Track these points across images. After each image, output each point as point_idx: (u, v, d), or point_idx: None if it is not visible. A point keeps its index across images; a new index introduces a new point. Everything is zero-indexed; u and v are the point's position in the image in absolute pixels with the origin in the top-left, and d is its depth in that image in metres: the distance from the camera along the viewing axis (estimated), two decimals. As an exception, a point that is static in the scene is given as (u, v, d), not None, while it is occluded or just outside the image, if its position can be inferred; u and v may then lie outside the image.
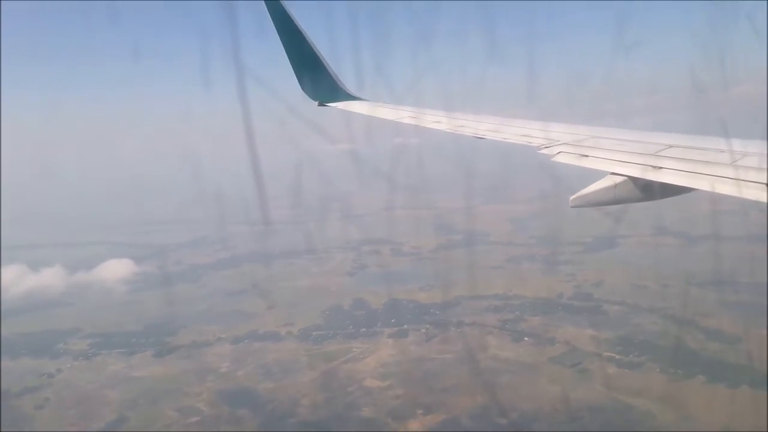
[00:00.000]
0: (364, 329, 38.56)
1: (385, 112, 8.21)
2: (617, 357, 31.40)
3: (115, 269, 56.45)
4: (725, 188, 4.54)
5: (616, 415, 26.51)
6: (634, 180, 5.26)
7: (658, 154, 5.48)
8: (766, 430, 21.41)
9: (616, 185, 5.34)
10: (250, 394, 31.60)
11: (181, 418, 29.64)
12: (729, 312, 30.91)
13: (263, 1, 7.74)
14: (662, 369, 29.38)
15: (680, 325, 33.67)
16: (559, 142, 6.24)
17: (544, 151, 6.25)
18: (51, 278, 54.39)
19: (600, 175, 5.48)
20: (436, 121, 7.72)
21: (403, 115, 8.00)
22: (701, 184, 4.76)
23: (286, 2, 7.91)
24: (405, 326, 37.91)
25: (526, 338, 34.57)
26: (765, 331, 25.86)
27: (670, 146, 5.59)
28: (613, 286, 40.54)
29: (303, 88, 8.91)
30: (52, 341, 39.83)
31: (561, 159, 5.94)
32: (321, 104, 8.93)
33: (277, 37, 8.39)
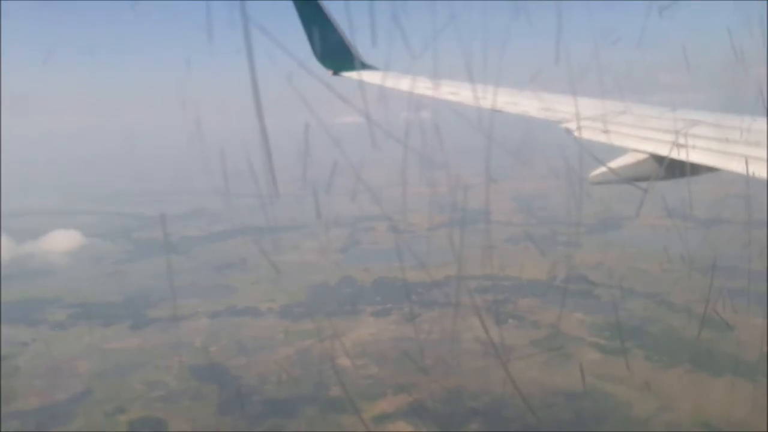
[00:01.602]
0: (346, 307, 37.54)
1: (401, 82, 7.72)
2: (602, 342, 30.05)
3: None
4: (750, 169, 4.43)
5: (591, 403, 25.23)
6: (656, 157, 5.19)
7: (683, 131, 5.30)
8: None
9: (637, 162, 5.35)
10: (219, 370, 30.71)
11: (146, 392, 28.89)
12: (725, 300, 29.32)
13: None
14: (648, 356, 28.05)
15: (673, 311, 32.27)
16: (580, 117, 6.03)
17: (563, 126, 6.05)
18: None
19: (621, 152, 5.48)
20: (453, 92, 7.48)
21: (419, 86, 7.63)
22: (725, 164, 4.68)
23: None
24: (389, 305, 36.83)
25: (510, 320, 33.23)
26: (760, 321, 24.38)
27: (697, 124, 5.40)
28: (610, 270, 38.92)
29: (317, 57, 8.79)
30: (32, 310, 39.45)
31: (581, 134, 5.74)
32: (335, 73, 8.68)
33: (292, 4, 8.36)
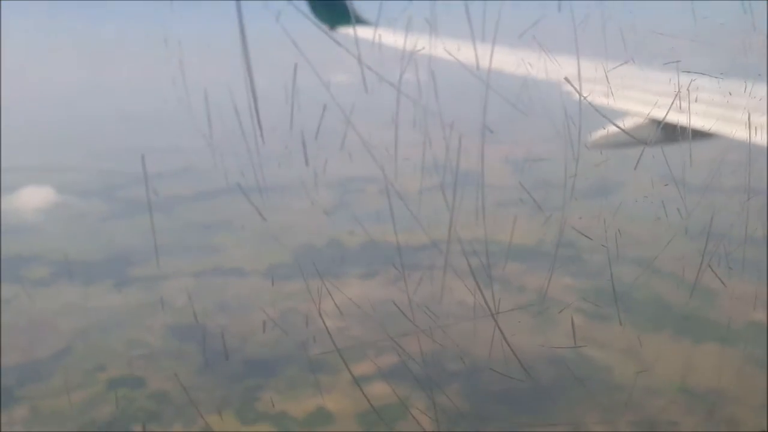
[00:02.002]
0: (332, 269, 37.15)
1: (397, 39, 7.00)
2: (587, 307, 29.64)
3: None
4: (751, 135, 4.62)
5: (572, 368, 24.94)
6: (656, 121, 5.21)
7: (685, 95, 5.42)
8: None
9: (637, 126, 5.37)
10: (201, 330, 30.56)
11: (126, 351, 28.81)
12: (714, 266, 28.86)
13: None
14: (632, 322, 27.67)
15: (661, 277, 31.73)
16: (580, 78, 6.05)
17: (563, 88, 5.95)
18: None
19: (622, 114, 5.56)
20: (452, 51, 7.07)
21: (417, 44, 6.76)
22: (726, 129, 4.85)
23: None
24: (374, 268, 36.43)
25: (496, 284, 32.66)
26: (746, 287, 23.97)
27: (701, 88, 5.51)
28: (601, 235, 38.06)
29: (313, 11, 8.77)
30: (15, 267, 39.10)
31: (580, 96, 5.83)
32: (332, 29, 8.77)
33: None
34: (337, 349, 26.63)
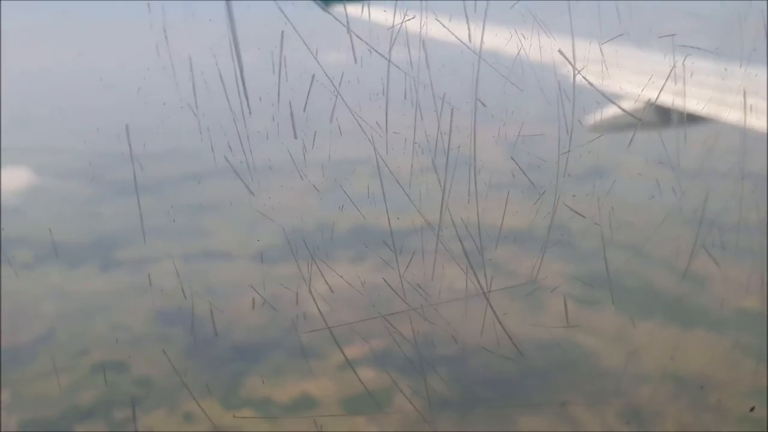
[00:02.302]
0: (322, 252, 36.61)
1: (389, 17, 7.35)
2: (577, 293, 29.42)
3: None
4: (748, 120, 4.85)
5: (560, 354, 24.81)
6: (653, 105, 5.64)
7: (682, 73, 5.45)
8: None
9: (635, 110, 5.82)
10: (186, 314, 29.92)
11: (110, 335, 28.42)
12: (707, 252, 28.77)
13: None
14: (622, 308, 27.48)
15: (651, 263, 31.58)
16: (578, 60, 6.00)
17: (560, 70, 5.95)
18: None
19: (619, 97, 6.04)
20: (446, 30, 7.27)
21: (409, 21, 7.31)
22: (723, 113, 5.11)
23: None
24: (364, 251, 36.09)
25: (486, 269, 32.52)
26: (737, 274, 23.92)
27: (699, 72, 5.62)
28: (593, 220, 37.98)
29: None
30: (-2, 250, 38.62)
31: (579, 79, 5.65)
32: (326, 5, 7.80)
33: None
34: (328, 327, 26.52)
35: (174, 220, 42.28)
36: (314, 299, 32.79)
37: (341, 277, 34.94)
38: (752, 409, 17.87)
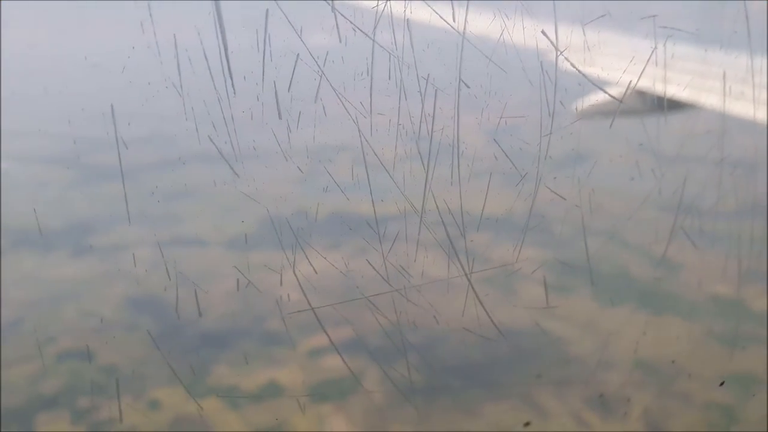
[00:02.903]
0: (297, 240, 36.57)
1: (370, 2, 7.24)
2: (550, 279, 29.63)
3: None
4: (733, 107, 4.88)
5: (529, 340, 24.97)
6: (640, 92, 5.63)
7: (669, 65, 5.55)
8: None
9: (620, 96, 5.81)
10: (157, 302, 29.75)
11: (78, 322, 27.98)
12: (683, 239, 29.20)
13: None
14: (593, 294, 27.74)
15: (627, 250, 31.93)
16: (562, 47, 6.05)
17: (542, 51, 5.93)
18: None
19: (604, 83, 5.96)
20: (430, 10, 7.28)
21: (396, 2, 7.24)
22: (707, 100, 5.21)
23: None
24: (340, 239, 36.07)
25: (461, 256, 32.66)
26: (712, 260, 24.39)
27: (684, 58, 5.97)
28: (571, 206, 38.30)
29: None
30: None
31: (562, 61, 5.71)
32: None
33: None
34: (312, 308, 26.50)
35: (158, 201, 41.76)
36: (286, 286, 32.73)
37: (318, 265, 34.96)
38: (722, 383, 18.23)
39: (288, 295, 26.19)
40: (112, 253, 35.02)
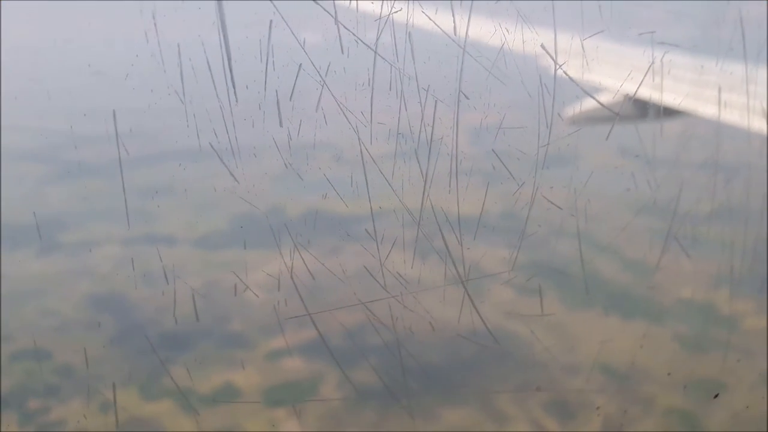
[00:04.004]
0: (268, 238, 36.35)
1: (376, 8, 7.31)
2: (520, 281, 29.74)
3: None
4: (725, 114, 4.83)
5: (493, 343, 24.98)
6: (630, 98, 5.68)
7: (660, 69, 5.64)
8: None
9: (614, 104, 5.81)
10: (120, 300, 29.19)
11: (38, 321, 27.30)
12: (657, 241, 29.61)
13: None
14: (563, 297, 27.94)
15: (602, 253, 32.27)
16: (559, 54, 6.11)
17: (541, 63, 5.96)
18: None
19: (599, 91, 6.00)
20: (432, 22, 7.25)
21: (398, 13, 7.27)
22: (699, 107, 5.20)
23: None
24: (313, 238, 35.77)
25: (433, 256, 32.73)
26: (687, 264, 24.77)
27: (676, 65, 5.77)
28: (548, 208, 38.56)
29: None
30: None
31: (560, 73, 5.78)
32: None
33: None
34: (308, 312, 26.30)
35: (158, 206, 41.04)
36: (252, 286, 32.51)
37: (284, 267, 34.71)
38: (716, 396, 18.55)
39: (285, 300, 26.12)
40: (79, 250, 34.30)
